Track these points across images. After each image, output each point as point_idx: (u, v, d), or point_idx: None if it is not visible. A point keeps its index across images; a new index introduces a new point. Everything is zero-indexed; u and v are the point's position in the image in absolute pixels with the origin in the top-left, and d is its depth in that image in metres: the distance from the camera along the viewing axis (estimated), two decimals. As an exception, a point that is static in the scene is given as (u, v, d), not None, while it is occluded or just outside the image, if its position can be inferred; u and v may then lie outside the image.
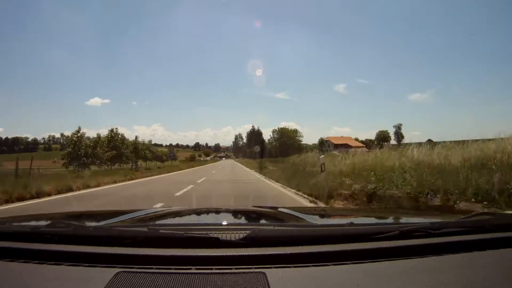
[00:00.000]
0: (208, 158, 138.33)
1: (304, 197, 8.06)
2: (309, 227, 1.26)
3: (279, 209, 1.73)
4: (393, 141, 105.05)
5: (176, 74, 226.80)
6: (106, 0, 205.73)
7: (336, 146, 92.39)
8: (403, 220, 1.62)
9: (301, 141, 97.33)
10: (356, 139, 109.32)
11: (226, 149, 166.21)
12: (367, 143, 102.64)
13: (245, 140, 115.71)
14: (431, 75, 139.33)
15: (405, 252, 0.91)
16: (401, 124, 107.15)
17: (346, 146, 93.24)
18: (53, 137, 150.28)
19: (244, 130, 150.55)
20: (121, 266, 0.85)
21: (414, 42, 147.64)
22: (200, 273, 0.81)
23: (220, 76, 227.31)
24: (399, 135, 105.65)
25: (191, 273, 0.82)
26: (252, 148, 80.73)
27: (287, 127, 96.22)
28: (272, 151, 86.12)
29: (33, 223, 1.44)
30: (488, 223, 1.10)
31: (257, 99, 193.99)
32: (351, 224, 1.22)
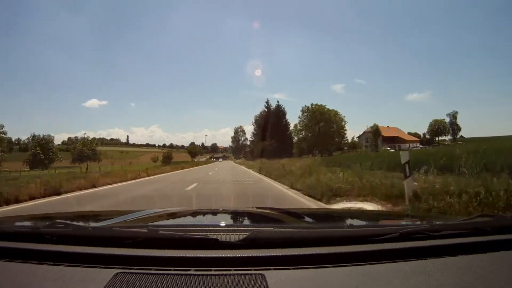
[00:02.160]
0: (204, 159, 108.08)
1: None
2: (308, 229, 1.26)
3: (279, 211, 1.73)
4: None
5: (174, 75, 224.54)
6: (104, 1, 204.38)
7: (385, 140, 70.09)
8: (403, 222, 1.62)
9: (346, 129, 62.72)
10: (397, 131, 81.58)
11: (224, 149, 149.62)
12: (419, 137, 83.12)
13: (250, 133, 72.80)
14: (429, 75, 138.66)
15: (405, 254, 0.91)
16: (456, 112, 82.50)
17: (397, 140, 72.12)
18: (38, 136, 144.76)
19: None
20: (120, 266, 0.85)
21: (412, 42, 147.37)
22: (199, 275, 0.81)
23: (219, 77, 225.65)
24: (454, 127, 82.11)
25: (190, 275, 0.82)
26: (268, 141, 49.56)
27: (323, 105, 60.70)
28: (301, 145, 57.29)
29: (32, 223, 1.43)
30: (488, 225, 1.10)
31: (256, 99, 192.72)
32: (351, 226, 1.23)
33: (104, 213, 2.26)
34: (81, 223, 1.27)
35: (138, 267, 0.85)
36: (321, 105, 61.25)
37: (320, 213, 2.70)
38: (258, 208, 2.01)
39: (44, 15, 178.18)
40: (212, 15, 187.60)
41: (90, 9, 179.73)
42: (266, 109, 64.00)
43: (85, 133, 46.59)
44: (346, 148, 64.96)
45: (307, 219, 1.52)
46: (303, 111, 62.05)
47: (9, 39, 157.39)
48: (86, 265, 0.87)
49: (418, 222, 1.52)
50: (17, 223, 1.42)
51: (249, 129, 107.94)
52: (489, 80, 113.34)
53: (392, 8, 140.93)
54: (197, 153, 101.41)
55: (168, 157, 66.40)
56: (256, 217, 1.78)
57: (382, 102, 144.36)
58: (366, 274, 0.82)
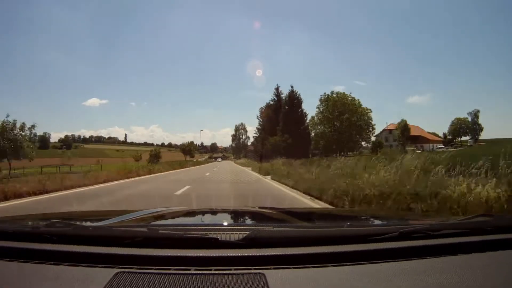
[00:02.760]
0: (201, 158, 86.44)
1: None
2: (308, 228, 1.27)
3: (279, 210, 1.73)
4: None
5: (174, 75, 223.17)
6: (104, 0, 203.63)
7: (407, 139, 57.21)
8: (403, 221, 1.62)
9: (374, 124, 50.29)
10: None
11: (224, 149, 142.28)
12: (441, 137, 74.47)
13: (255, 129, 58.89)
14: (430, 77, 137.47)
15: (405, 254, 0.91)
16: (478, 111, 73.00)
17: (420, 139, 63.29)
18: (35, 134, 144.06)
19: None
20: (121, 266, 0.85)
21: (414, 44, 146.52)
22: (199, 274, 0.82)
23: (219, 77, 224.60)
24: (476, 126, 73.47)
25: (190, 274, 0.82)
26: (280, 136, 39.58)
27: (346, 94, 48.59)
28: (318, 142, 46.02)
29: (32, 223, 1.43)
30: (487, 225, 1.11)
31: (256, 100, 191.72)
32: (351, 225, 1.23)
33: (104, 213, 2.26)
34: (81, 223, 1.27)
35: (138, 267, 0.85)
36: (344, 93, 48.81)
37: (320, 212, 2.71)
38: (258, 207, 2.02)
39: (44, 14, 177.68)
40: (212, 14, 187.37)
41: (90, 8, 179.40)
42: (275, 97, 49.50)
43: (8, 115, 26.20)
44: (364, 146, 51.86)
45: (307, 218, 1.52)
46: (321, 100, 48.81)
47: (9, 38, 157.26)
48: (86, 264, 0.87)
49: (418, 222, 1.52)
50: (17, 223, 1.42)
51: (251, 130, 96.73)
52: (492, 81, 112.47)
53: (395, 9, 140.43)
54: (192, 151, 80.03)
55: (156, 155, 51.10)
56: (256, 217, 1.78)
57: (383, 104, 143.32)
58: (366, 273, 0.83)
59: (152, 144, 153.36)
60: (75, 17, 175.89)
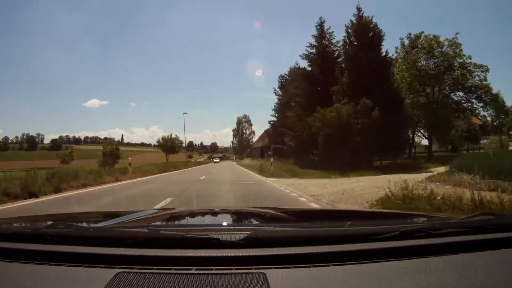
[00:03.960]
0: (204, 159, 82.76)
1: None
2: (309, 228, 1.26)
3: (280, 210, 1.73)
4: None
5: (174, 75, 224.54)
6: (103, 0, 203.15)
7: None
8: (404, 220, 1.62)
9: (493, 89, 27.17)
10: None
11: (225, 149, 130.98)
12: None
13: (255, 129, 53.03)
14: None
15: (406, 253, 0.91)
16: None
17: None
18: (27, 135, 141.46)
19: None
20: (121, 266, 0.85)
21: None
22: (200, 274, 0.82)
23: (219, 77, 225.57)
24: None
25: (191, 274, 0.82)
26: (347, 102, 17.39)
27: (438, 36, 25.39)
28: (412, 112, 25.17)
29: (33, 224, 1.44)
30: (488, 224, 1.10)
31: (256, 100, 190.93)
32: (352, 224, 1.23)
33: (104, 214, 2.27)
34: (81, 224, 1.28)
35: (139, 267, 0.85)
36: (439, 37, 26.16)
37: (320, 212, 2.71)
38: (259, 207, 2.02)
39: (42, 14, 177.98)
40: (212, 14, 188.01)
41: (90, 9, 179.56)
42: (319, 41, 25.09)
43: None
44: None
45: (307, 218, 1.52)
46: (404, 46, 26.74)
47: (9, 39, 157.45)
48: (87, 265, 0.88)
49: (419, 221, 1.52)
50: (18, 224, 1.43)
51: (254, 130, 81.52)
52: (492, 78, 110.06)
53: (395, 8, 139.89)
54: (176, 149, 57.48)
55: (112, 154, 34.63)
56: (257, 217, 1.79)
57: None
58: (367, 273, 0.83)
59: (149, 145, 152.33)
60: (75, 18, 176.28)
